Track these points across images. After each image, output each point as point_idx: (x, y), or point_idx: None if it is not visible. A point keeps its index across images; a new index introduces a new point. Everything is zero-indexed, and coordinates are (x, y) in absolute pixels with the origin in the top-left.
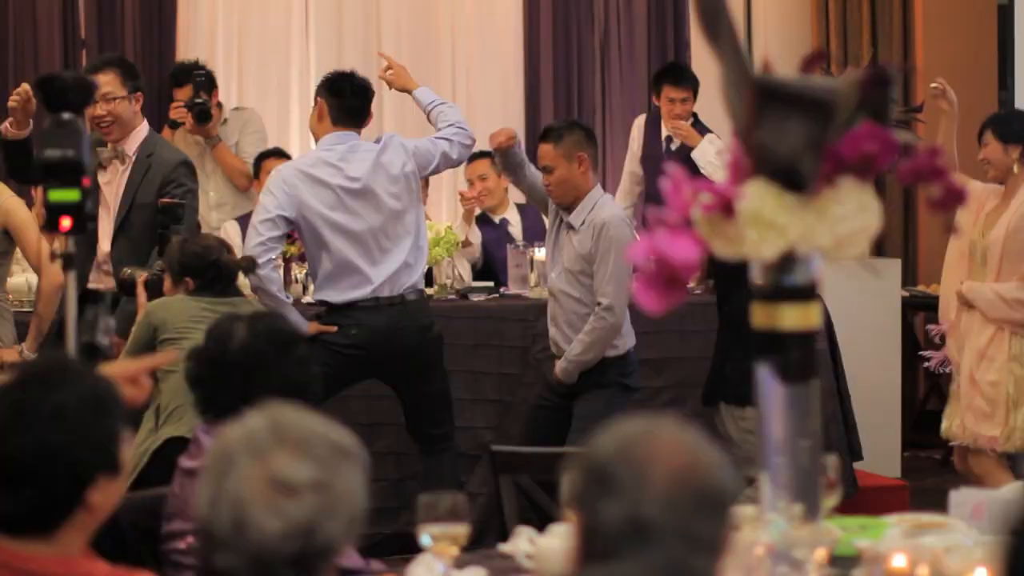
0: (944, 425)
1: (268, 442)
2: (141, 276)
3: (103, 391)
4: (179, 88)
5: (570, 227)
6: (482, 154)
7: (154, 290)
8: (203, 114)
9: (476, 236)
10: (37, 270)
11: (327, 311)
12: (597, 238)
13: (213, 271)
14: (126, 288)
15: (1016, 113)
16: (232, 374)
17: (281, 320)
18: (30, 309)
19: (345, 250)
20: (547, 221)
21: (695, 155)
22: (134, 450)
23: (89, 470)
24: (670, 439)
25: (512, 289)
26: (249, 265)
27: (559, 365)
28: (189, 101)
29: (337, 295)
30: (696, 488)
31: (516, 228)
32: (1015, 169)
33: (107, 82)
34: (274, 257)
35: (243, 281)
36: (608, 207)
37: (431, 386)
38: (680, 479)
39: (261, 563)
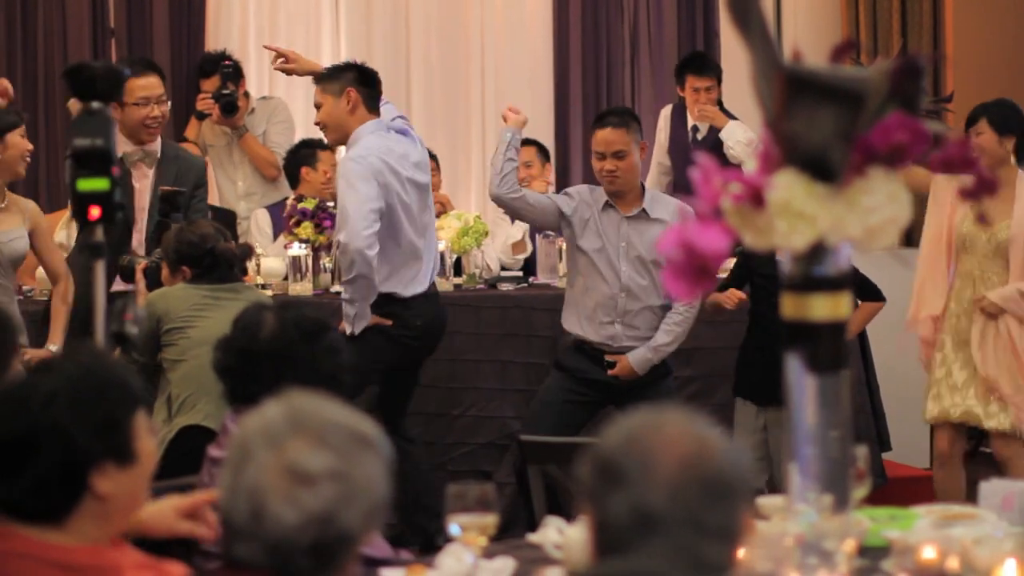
0: (929, 408)
1: (285, 431)
2: (140, 264)
3: (106, 376)
4: (206, 79)
5: (636, 218)
6: (527, 141)
7: (153, 278)
8: (229, 106)
9: (521, 229)
10: (56, 275)
11: (386, 302)
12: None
13: (209, 259)
14: (125, 275)
15: (1011, 104)
16: (262, 364)
17: (308, 309)
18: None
19: (414, 240)
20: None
21: (723, 135)
22: None
23: (88, 455)
24: (676, 429)
25: (541, 279)
26: (245, 252)
27: (639, 356)
28: (216, 92)
29: (403, 288)
30: (703, 476)
31: None
32: (1011, 161)
33: (156, 84)
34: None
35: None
36: (667, 196)
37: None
38: (686, 468)
39: (279, 552)
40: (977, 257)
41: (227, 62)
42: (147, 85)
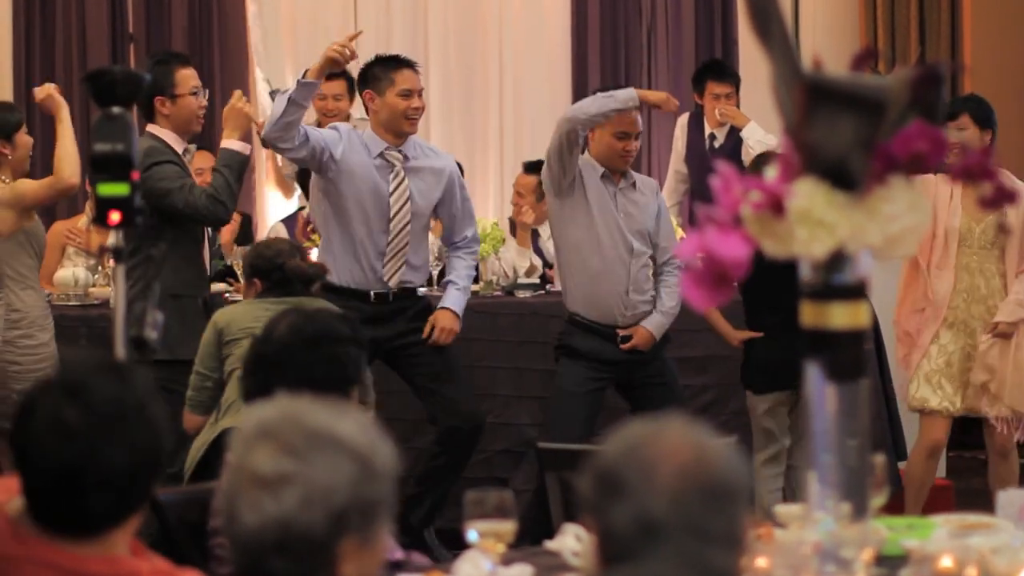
0: (926, 396)
1: (255, 437)
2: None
3: (140, 392)
4: None
5: (627, 190)
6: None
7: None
8: None
9: (534, 258)
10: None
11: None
12: (655, 194)
13: (279, 274)
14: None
15: (985, 99)
16: (267, 366)
17: (333, 319)
18: (76, 303)
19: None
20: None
21: (744, 134)
22: (196, 443)
23: (142, 475)
24: (675, 437)
25: (557, 286)
26: (317, 273)
27: (655, 321)
28: None
29: None
30: (703, 483)
31: None
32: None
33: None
34: None
35: None
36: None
37: None
38: (686, 476)
39: (248, 555)
40: (974, 249)
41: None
42: (194, 75)
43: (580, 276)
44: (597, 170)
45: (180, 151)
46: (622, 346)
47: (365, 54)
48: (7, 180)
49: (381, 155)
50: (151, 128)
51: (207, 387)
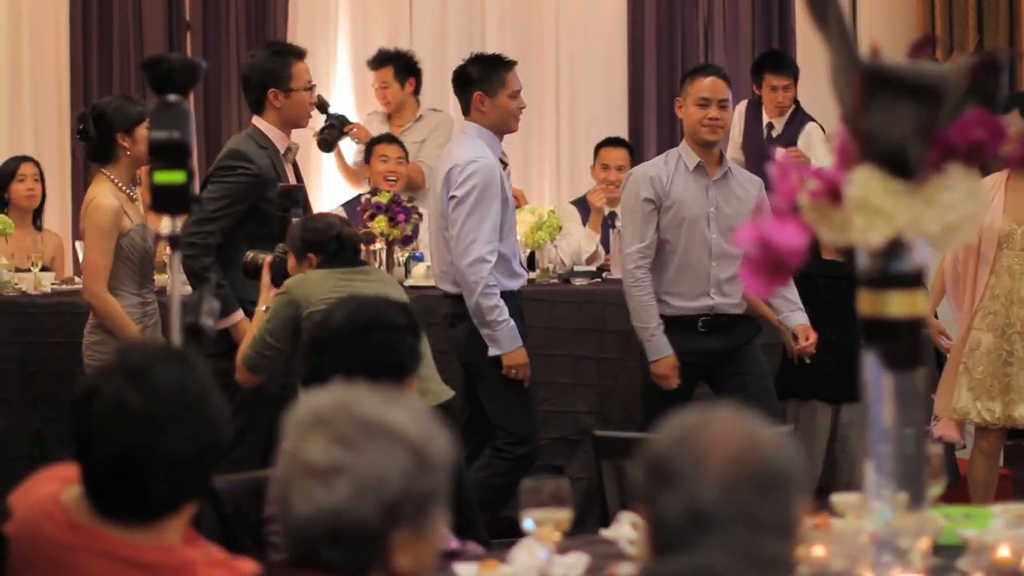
0: (973, 405)
1: (307, 426)
2: (266, 258)
3: (202, 380)
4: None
5: (721, 183)
6: (617, 141)
7: (279, 271)
8: (324, 144)
9: (593, 241)
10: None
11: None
12: (759, 189)
13: (335, 244)
14: (250, 272)
15: None
16: (322, 352)
17: (389, 307)
18: None
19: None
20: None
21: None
22: None
23: (201, 463)
24: (726, 426)
25: (615, 274)
26: (367, 237)
27: (802, 318)
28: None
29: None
30: (754, 471)
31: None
32: None
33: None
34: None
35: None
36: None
37: None
38: (737, 464)
39: (301, 544)
40: (1015, 251)
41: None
42: (308, 69)
43: (664, 272)
44: (691, 163)
45: (282, 149)
46: (801, 347)
47: (422, 49)
48: (118, 182)
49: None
50: (257, 121)
51: (267, 355)
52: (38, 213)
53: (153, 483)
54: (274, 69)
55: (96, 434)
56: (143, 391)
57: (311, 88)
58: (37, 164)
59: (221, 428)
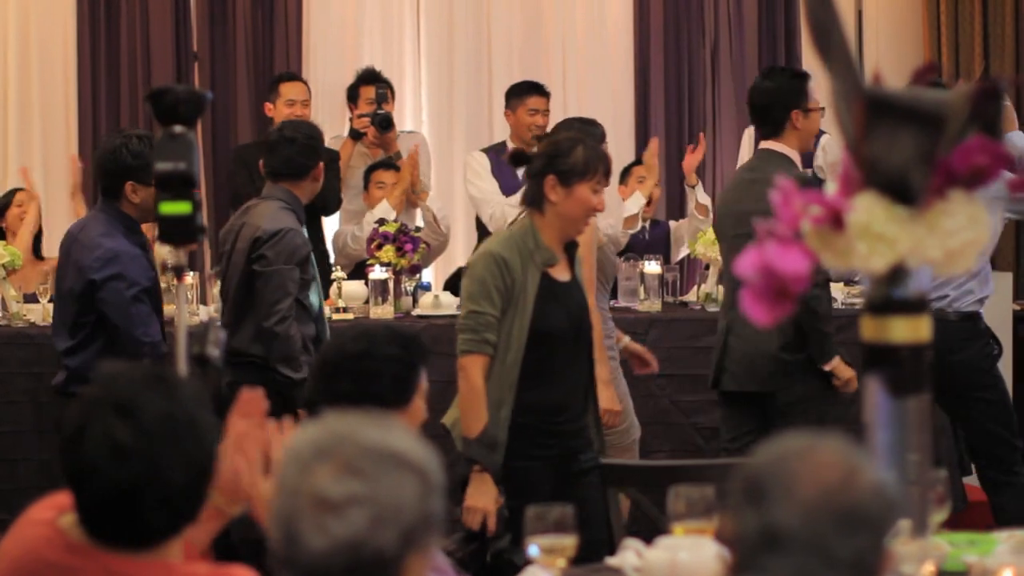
0: None
1: (311, 457)
2: None
3: (189, 404)
4: (355, 99)
5: None
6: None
7: None
8: (386, 121)
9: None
10: None
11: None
12: None
13: None
14: None
15: None
16: (328, 377)
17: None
18: None
19: None
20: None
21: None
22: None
23: (197, 487)
24: (828, 456)
25: (621, 302)
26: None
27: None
28: (372, 112)
29: None
30: (840, 506)
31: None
32: None
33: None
34: None
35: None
36: None
37: None
38: (825, 495)
39: None
40: None
41: (382, 82)
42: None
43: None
44: None
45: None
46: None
47: (428, 75)
48: None
49: None
50: (772, 145)
51: (491, 323)
52: (38, 241)
53: (150, 515)
54: (795, 90)
55: (89, 471)
56: (132, 425)
57: (818, 109)
58: (28, 192)
59: (212, 449)
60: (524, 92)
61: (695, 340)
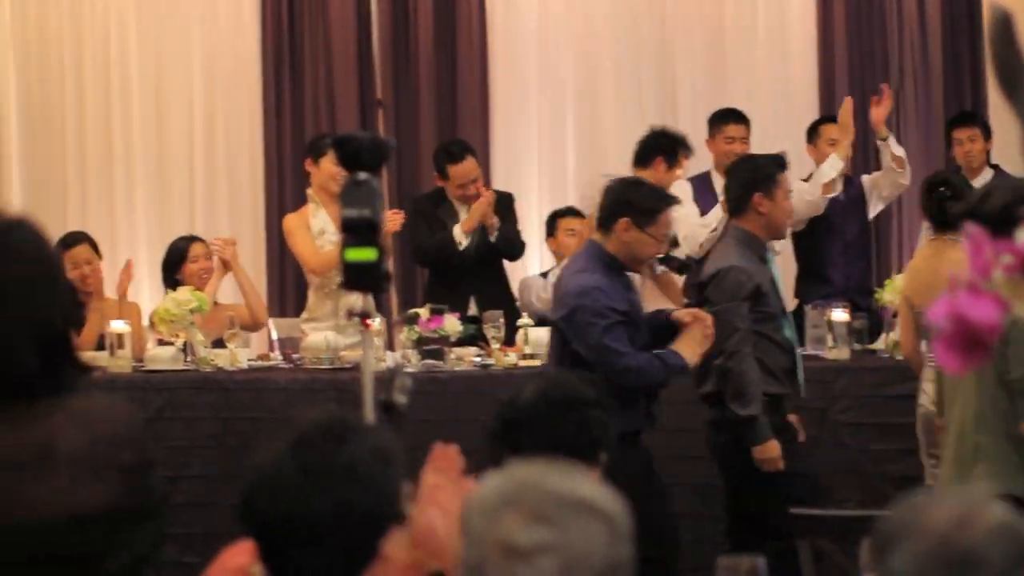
0: None
1: (498, 505)
2: None
3: (386, 441)
4: None
5: None
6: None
7: None
8: (684, 268)
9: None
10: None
11: None
12: None
13: None
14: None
15: None
16: (512, 431)
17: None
18: (327, 366)
19: None
20: None
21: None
22: None
23: (383, 522)
24: (950, 505)
25: (809, 349)
26: None
27: None
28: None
29: None
30: (953, 555)
31: None
32: None
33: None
34: None
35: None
36: None
37: None
38: (939, 543)
39: None
40: None
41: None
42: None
43: None
44: None
45: None
46: None
47: (610, 108)
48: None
49: None
50: None
51: None
52: None
53: (295, 553)
54: None
55: (252, 502)
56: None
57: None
58: (204, 244)
59: (375, 499)
60: (721, 120)
61: (884, 388)
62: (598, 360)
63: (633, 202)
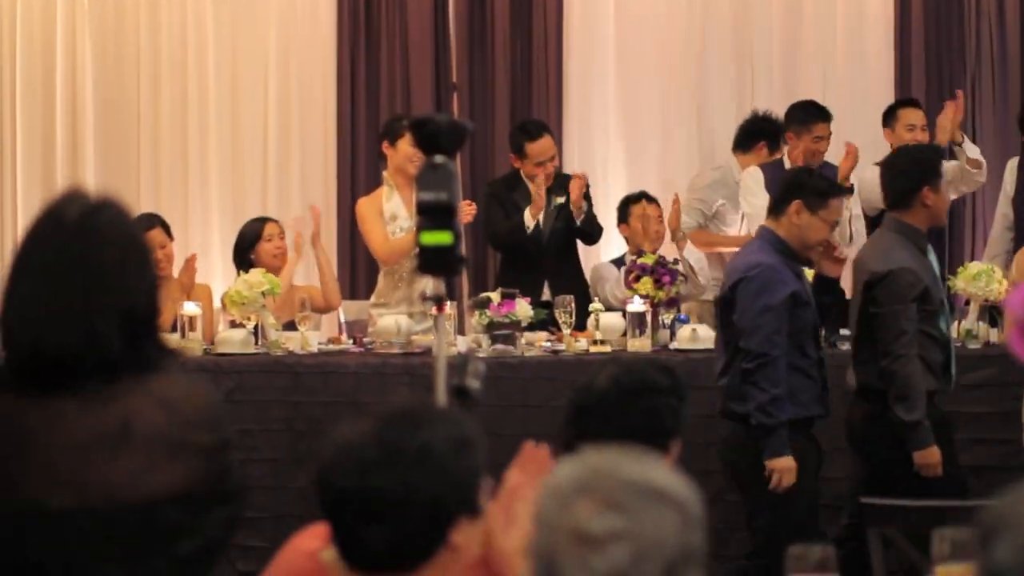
0: None
1: (571, 493)
2: None
3: (467, 433)
4: None
5: None
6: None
7: None
8: None
9: None
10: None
11: None
12: None
13: None
14: None
15: None
16: (584, 418)
17: (652, 369)
18: (399, 351)
19: None
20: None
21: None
22: None
23: (450, 510)
24: None
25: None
26: None
27: None
28: None
29: None
30: None
31: None
32: None
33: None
34: None
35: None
36: None
37: None
38: None
39: None
40: None
41: None
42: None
43: None
44: None
45: None
46: None
47: (684, 93)
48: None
49: None
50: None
51: None
52: None
53: (366, 530)
54: None
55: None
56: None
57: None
58: (279, 224)
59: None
60: (811, 118)
61: (961, 377)
62: (752, 327)
63: (806, 186)
